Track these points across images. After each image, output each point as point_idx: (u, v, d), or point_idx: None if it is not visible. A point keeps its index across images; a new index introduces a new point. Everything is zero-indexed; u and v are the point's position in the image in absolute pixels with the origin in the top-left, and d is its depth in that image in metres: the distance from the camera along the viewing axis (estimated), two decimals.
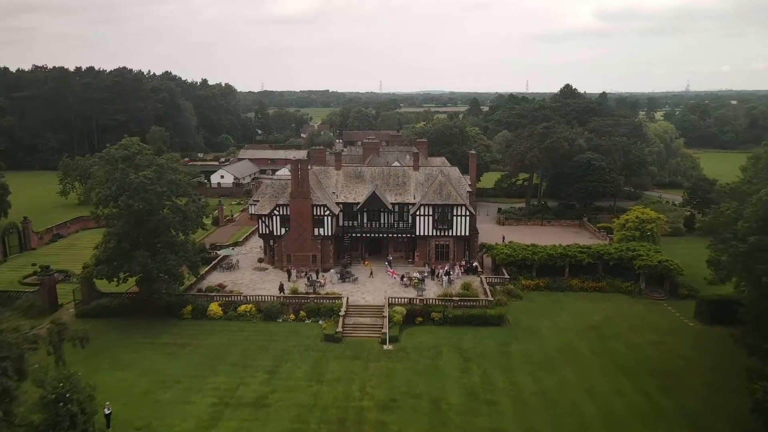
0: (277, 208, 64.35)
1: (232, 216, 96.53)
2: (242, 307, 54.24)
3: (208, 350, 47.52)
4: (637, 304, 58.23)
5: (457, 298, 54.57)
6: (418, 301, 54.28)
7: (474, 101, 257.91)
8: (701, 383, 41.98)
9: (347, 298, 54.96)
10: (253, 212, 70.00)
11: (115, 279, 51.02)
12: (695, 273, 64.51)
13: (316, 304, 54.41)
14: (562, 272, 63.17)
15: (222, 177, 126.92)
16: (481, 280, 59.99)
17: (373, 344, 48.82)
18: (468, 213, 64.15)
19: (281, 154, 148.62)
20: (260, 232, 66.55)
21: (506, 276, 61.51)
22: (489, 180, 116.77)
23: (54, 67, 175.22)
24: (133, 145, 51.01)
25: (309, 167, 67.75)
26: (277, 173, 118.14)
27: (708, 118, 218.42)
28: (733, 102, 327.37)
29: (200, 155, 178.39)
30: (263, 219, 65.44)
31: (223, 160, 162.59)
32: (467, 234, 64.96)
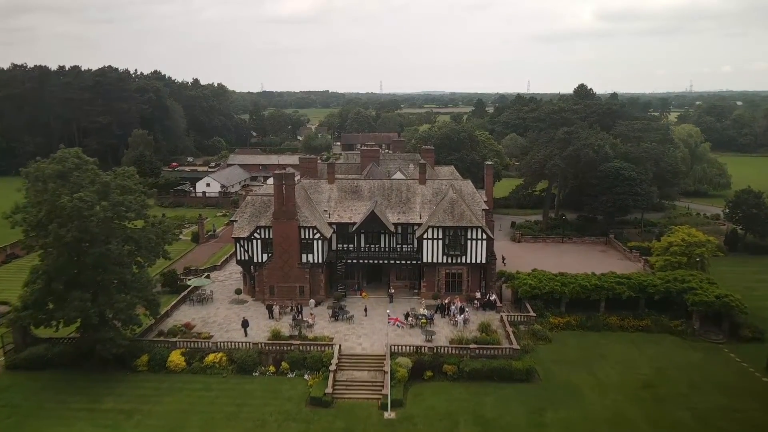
0: (258, 231, 54.12)
1: (215, 231, 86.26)
2: (210, 357, 44.02)
3: (161, 421, 37.28)
4: (692, 350, 47.94)
5: (475, 346, 44.30)
6: (426, 349, 44.06)
7: (479, 102, 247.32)
8: None
9: (339, 346, 44.73)
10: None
11: (50, 326, 40.86)
12: (754, 306, 54.25)
13: (302, 352, 44.20)
14: (597, 307, 53.03)
15: (208, 185, 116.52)
16: (502, 319, 49.79)
17: (371, 410, 38.63)
18: (485, 236, 53.86)
19: (274, 159, 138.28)
20: (238, 258, 56.25)
21: (531, 313, 51.24)
22: (500, 189, 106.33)
23: (35, 65, 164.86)
24: (70, 158, 40.73)
25: (297, 179, 57.65)
26: (268, 181, 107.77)
27: (724, 120, 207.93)
28: (739, 103, 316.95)
29: (189, 159, 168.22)
30: (242, 243, 55.19)
31: (213, 164, 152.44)
32: (484, 261, 54.69)
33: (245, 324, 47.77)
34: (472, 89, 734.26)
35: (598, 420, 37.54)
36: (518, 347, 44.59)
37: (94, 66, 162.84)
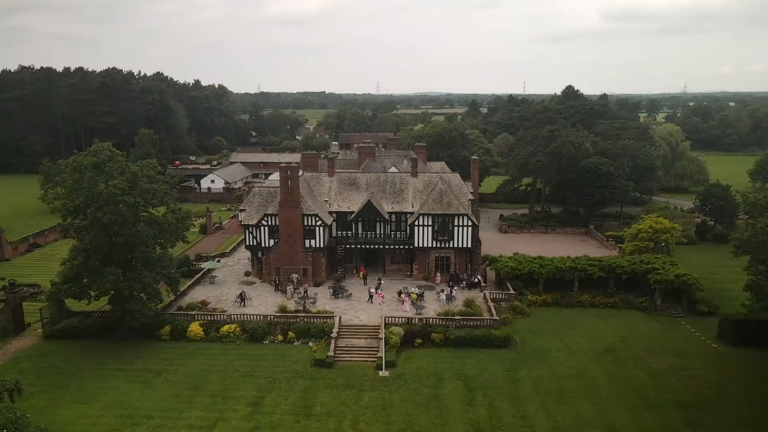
0: (265, 218, 59.89)
1: (221, 223, 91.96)
2: (225, 327, 49.74)
3: (186, 378, 42.97)
4: (654, 323, 53.92)
5: (460, 317, 50.17)
6: (417, 321, 49.88)
7: (472, 103, 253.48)
8: (733, 418, 37.67)
9: (339, 318, 50.52)
10: (242, 220, 65.55)
11: (86, 298, 46.52)
12: (713, 287, 60.47)
13: (306, 323, 49.96)
14: (571, 286, 58.87)
15: (212, 182, 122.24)
16: (485, 296, 55.64)
17: (367, 370, 44.37)
18: (470, 223, 59.78)
19: (274, 157, 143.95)
20: (247, 243, 62.03)
21: (512, 291, 57.12)
22: (490, 185, 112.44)
23: (41, 67, 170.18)
24: (104, 151, 46.47)
25: (300, 173, 63.39)
26: (269, 177, 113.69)
27: (710, 120, 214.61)
28: (731, 104, 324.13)
29: (192, 158, 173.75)
30: (250, 229, 60.96)
31: (215, 163, 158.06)
32: (469, 245, 60.58)
33: (242, 297, 54.36)
34: (468, 90, 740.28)
35: (564, 376, 43.39)
36: (498, 318, 50.48)
37: (93, 65, 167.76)
